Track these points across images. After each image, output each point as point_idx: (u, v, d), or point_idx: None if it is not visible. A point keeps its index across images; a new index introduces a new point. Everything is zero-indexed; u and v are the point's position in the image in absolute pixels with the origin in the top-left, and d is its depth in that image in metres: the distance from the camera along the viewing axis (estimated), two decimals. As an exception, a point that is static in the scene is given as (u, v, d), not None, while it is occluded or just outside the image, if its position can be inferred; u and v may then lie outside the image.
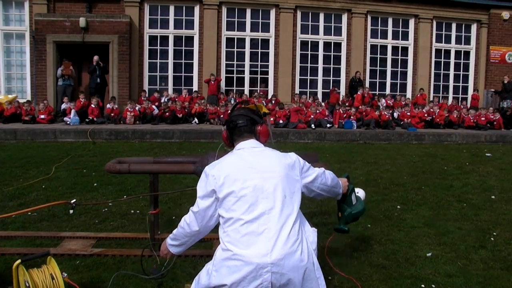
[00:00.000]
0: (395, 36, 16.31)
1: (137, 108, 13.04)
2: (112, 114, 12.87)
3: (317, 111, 13.52)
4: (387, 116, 13.45)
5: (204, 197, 2.23)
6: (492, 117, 14.34)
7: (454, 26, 16.73)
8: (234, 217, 2.13)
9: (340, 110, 13.52)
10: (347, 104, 14.41)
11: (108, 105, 13.13)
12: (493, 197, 5.94)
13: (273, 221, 2.11)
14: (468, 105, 16.06)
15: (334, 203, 5.43)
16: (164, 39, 14.76)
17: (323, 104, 14.35)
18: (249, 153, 2.31)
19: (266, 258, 2.04)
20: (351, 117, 13.47)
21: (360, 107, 13.89)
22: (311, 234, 2.32)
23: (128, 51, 13.95)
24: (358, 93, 14.64)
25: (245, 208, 2.13)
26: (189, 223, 2.29)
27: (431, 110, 14.27)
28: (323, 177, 2.47)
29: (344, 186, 2.69)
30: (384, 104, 14.70)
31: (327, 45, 15.84)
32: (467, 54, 16.98)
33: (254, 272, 2.03)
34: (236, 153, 2.35)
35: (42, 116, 12.41)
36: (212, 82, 14.32)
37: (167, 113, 13.04)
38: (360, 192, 3.15)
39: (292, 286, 2.09)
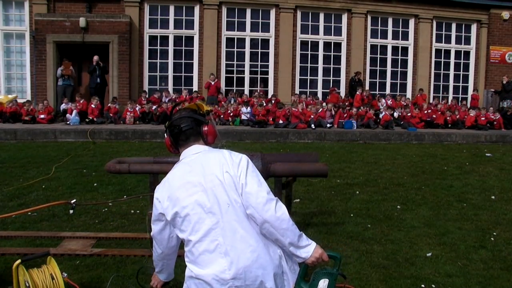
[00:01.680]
0: (395, 36, 16.31)
1: (137, 108, 13.04)
2: (111, 114, 12.87)
3: (318, 111, 13.50)
4: (387, 116, 13.47)
5: (155, 222, 2.15)
6: (492, 117, 14.34)
7: (454, 26, 16.73)
8: (185, 238, 2.05)
9: (340, 110, 13.52)
10: (346, 104, 14.41)
11: (109, 105, 13.15)
12: (493, 197, 5.94)
13: (223, 235, 1.99)
14: (468, 105, 16.06)
15: (334, 203, 5.47)
16: (164, 39, 14.76)
17: (324, 104, 14.30)
18: (190, 162, 2.15)
19: (224, 275, 1.96)
20: (352, 117, 13.48)
21: (360, 108, 13.88)
22: None
23: (128, 51, 13.95)
24: (357, 93, 14.65)
25: (191, 228, 2.02)
26: (154, 247, 2.25)
27: (433, 107, 14.28)
28: (266, 203, 2.01)
29: (315, 256, 2.08)
30: (384, 105, 14.70)
31: (327, 45, 15.84)
32: (467, 54, 16.98)
33: None
34: (180, 164, 2.20)
35: (42, 116, 12.41)
36: (212, 83, 14.33)
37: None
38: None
39: None
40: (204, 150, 2.21)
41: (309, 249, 2.09)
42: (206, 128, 2.23)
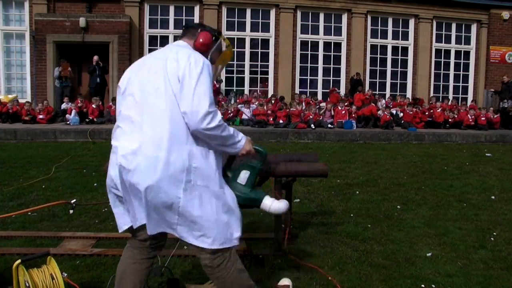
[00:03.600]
0: (395, 36, 16.31)
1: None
2: (112, 114, 12.86)
3: (318, 112, 13.49)
4: (388, 117, 13.46)
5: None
6: (491, 116, 14.35)
7: (454, 26, 16.73)
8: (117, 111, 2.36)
9: (338, 107, 13.49)
10: (346, 103, 14.39)
11: (110, 104, 13.14)
12: (493, 197, 5.94)
13: (141, 115, 2.17)
14: (468, 105, 16.06)
15: (334, 203, 5.47)
16: (164, 39, 14.75)
17: (323, 104, 14.29)
18: (162, 49, 2.37)
19: (122, 151, 2.16)
20: (352, 115, 13.48)
21: (360, 109, 13.88)
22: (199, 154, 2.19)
23: (128, 51, 13.94)
24: (357, 92, 14.65)
25: (123, 104, 2.30)
26: None
27: (434, 106, 14.30)
28: (204, 115, 2.08)
29: (244, 150, 2.32)
30: (384, 105, 14.70)
31: (327, 45, 15.84)
32: (467, 54, 16.98)
33: (115, 159, 2.20)
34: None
35: (41, 116, 12.41)
36: (217, 86, 14.35)
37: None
38: (275, 204, 2.45)
39: (138, 187, 2.11)
40: (180, 45, 2.39)
41: (238, 145, 2.30)
42: (200, 32, 2.42)
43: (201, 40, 2.40)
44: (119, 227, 2.41)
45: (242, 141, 2.32)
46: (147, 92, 2.18)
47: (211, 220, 2.19)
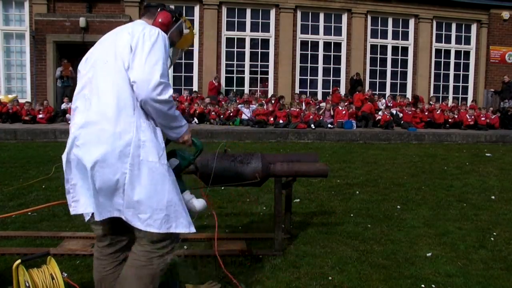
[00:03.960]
0: (395, 36, 16.32)
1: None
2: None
3: (318, 112, 13.48)
4: (388, 116, 13.47)
5: None
6: (492, 117, 14.36)
7: (454, 26, 16.73)
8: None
9: (339, 107, 13.50)
10: (346, 103, 14.39)
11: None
12: (493, 197, 5.94)
13: (90, 90, 2.16)
14: (468, 105, 16.06)
15: (334, 203, 5.47)
16: (164, 39, 14.75)
17: (323, 104, 14.28)
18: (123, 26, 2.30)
19: (74, 127, 2.17)
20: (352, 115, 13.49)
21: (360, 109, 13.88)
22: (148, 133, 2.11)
23: (128, 51, 13.93)
24: (357, 92, 14.65)
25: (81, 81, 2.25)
26: None
27: (433, 107, 14.29)
28: (155, 85, 2.02)
29: (183, 139, 2.27)
30: (384, 105, 14.71)
31: (327, 45, 15.84)
32: (467, 54, 16.98)
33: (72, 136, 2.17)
34: None
35: (41, 116, 12.41)
36: (216, 84, 14.36)
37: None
38: (195, 202, 2.42)
39: (85, 162, 2.10)
40: (136, 22, 2.33)
41: (180, 130, 2.23)
42: (160, 12, 2.38)
43: (160, 20, 2.35)
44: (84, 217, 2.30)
45: (184, 128, 2.25)
46: (98, 67, 2.16)
47: (160, 201, 2.08)
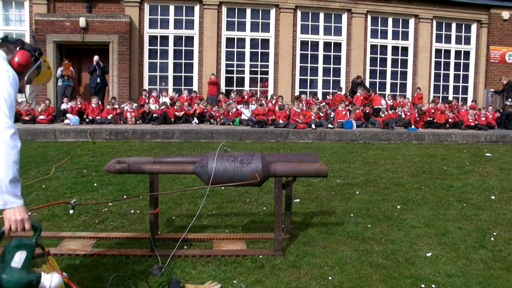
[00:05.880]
0: (395, 36, 16.32)
1: (134, 106, 13.03)
2: (111, 115, 12.85)
3: (319, 112, 13.47)
4: (392, 114, 13.52)
5: None
6: (490, 116, 14.36)
7: (454, 26, 16.74)
8: None
9: (339, 107, 13.49)
10: (347, 103, 14.40)
11: (108, 106, 13.13)
12: (493, 197, 5.94)
13: None
14: (468, 105, 16.06)
15: (334, 203, 5.47)
16: (164, 39, 14.77)
17: (324, 104, 14.26)
18: None
19: None
20: (353, 114, 13.49)
21: (360, 108, 13.88)
22: None
23: (128, 51, 13.95)
24: (358, 94, 14.65)
25: None
26: None
27: (432, 109, 14.29)
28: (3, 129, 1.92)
29: (14, 218, 1.95)
30: (384, 106, 14.70)
31: (327, 45, 15.85)
32: (467, 54, 16.99)
33: None
34: None
35: (42, 117, 12.41)
36: (214, 78, 14.38)
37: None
38: (55, 280, 2.10)
39: None
40: None
41: (12, 200, 1.93)
42: (18, 51, 2.24)
43: (16, 59, 2.24)
44: None
45: (20, 201, 1.98)
46: None
47: None
